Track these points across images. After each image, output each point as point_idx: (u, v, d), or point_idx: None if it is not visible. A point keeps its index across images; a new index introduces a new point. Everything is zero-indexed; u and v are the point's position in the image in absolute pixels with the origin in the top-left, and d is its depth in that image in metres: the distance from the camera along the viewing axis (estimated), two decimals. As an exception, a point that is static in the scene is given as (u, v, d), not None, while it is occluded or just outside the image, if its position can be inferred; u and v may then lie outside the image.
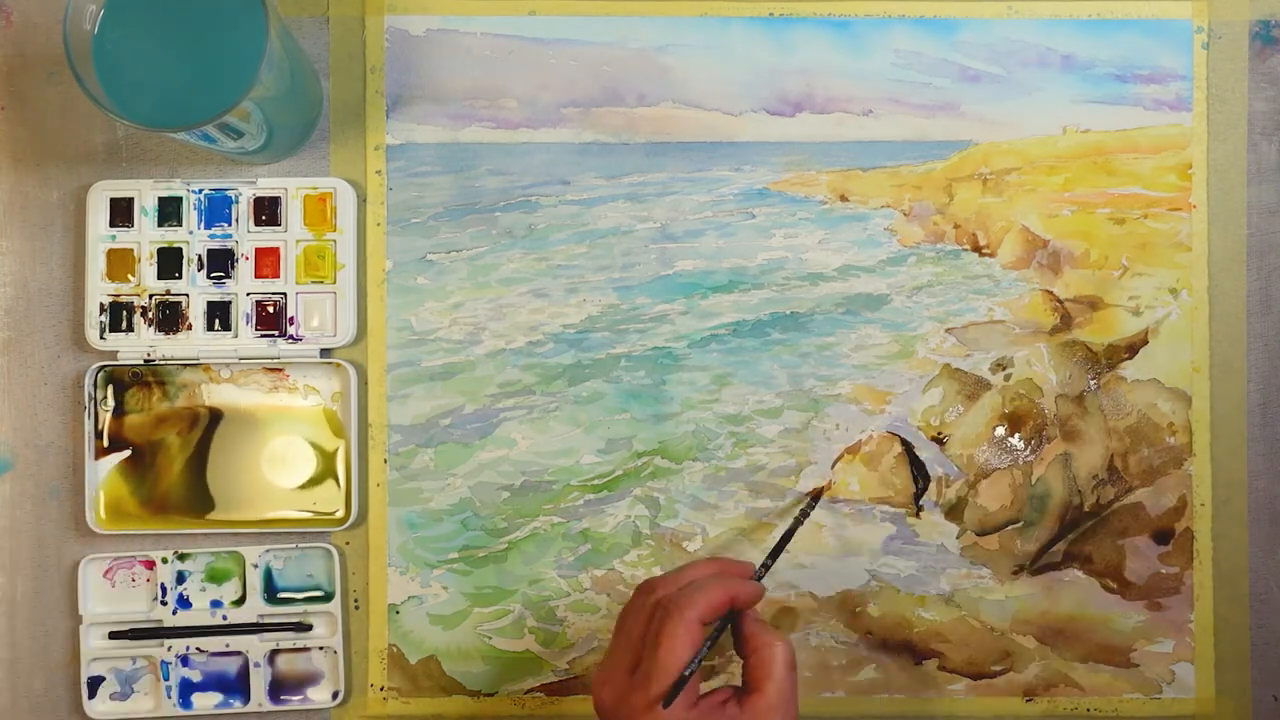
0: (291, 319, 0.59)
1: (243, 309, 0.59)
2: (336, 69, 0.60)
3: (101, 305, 0.59)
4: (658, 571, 0.60)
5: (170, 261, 0.59)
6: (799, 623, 0.60)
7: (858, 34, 0.61)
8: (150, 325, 0.59)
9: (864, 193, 0.61)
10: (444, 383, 0.60)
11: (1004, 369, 0.60)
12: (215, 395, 0.60)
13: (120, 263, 0.59)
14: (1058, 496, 0.60)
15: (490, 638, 0.60)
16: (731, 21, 0.61)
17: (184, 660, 0.59)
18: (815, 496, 0.60)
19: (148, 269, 0.59)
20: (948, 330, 0.60)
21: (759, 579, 0.53)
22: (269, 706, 0.59)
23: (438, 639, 0.60)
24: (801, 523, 0.58)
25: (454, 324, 0.60)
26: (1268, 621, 0.60)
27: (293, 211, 0.59)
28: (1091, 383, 0.60)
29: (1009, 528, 0.60)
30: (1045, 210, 0.60)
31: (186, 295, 0.59)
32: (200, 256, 0.59)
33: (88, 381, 0.59)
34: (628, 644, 0.49)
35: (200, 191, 0.59)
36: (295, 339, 0.59)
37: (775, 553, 0.55)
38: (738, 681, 0.50)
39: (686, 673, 0.47)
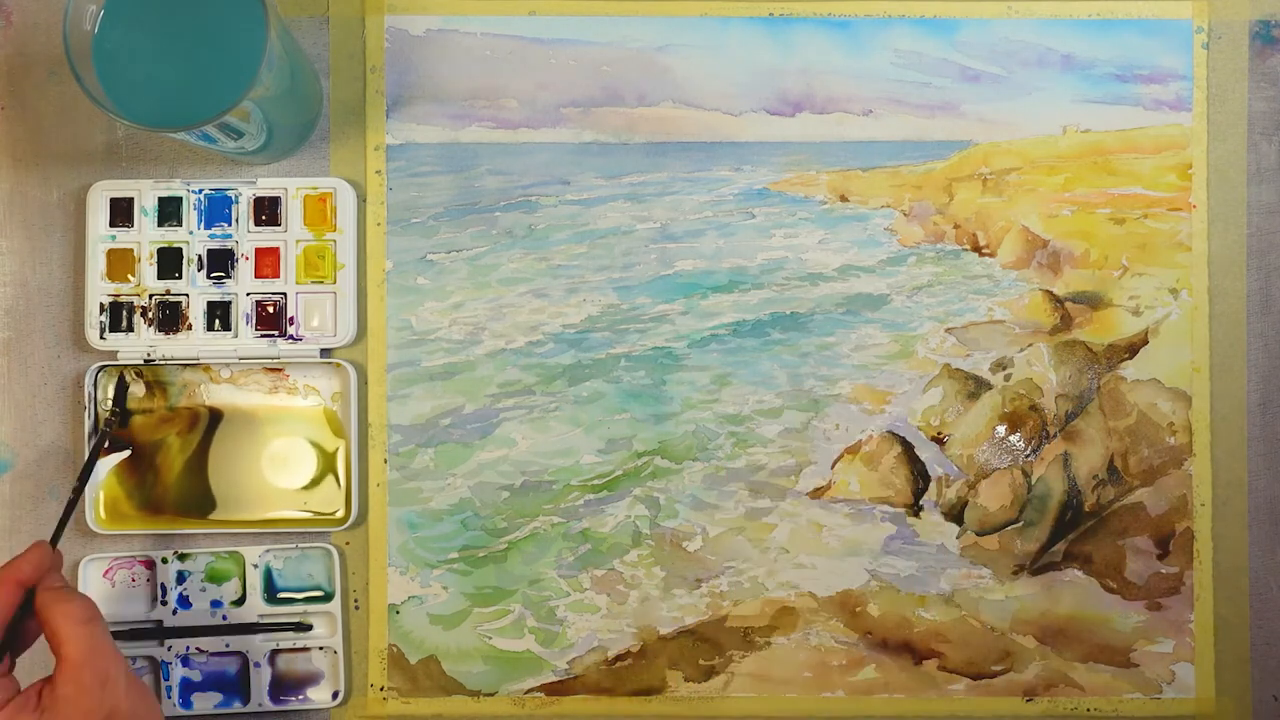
0: (291, 319, 0.59)
1: (243, 309, 0.59)
2: (336, 69, 0.60)
3: (101, 305, 0.59)
4: (659, 571, 0.60)
5: (170, 261, 0.59)
6: (799, 623, 0.60)
7: (858, 34, 0.61)
8: (150, 325, 0.59)
9: (864, 193, 0.61)
10: (444, 383, 0.60)
11: (1004, 369, 0.60)
12: (215, 395, 0.60)
13: (120, 263, 0.59)
14: (1058, 496, 0.60)
15: (490, 638, 0.60)
16: (731, 21, 0.61)
17: (184, 660, 0.59)
18: (109, 423, 0.57)
19: (148, 269, 0.59)
20: (948, 330, 0.60)
21: (56, 542, 0.51)
22: (269, 706, 0.59)
23: (438, 639, 0.60)
24: (103, 444, 0.56)
25: (454, 324, 0.60)
26: (1268, 621, 0.60)
27: (293, 211, 0.59)
28: (1091, 383, 0.60)
29: (1009, 528, 0.60)
30: (1045, 210, 0.60)
31: (186, 295, 0.59)
32: (200, 256, 0.59)
33: (88, 382, 0.59)
34: None
35: (200, 191, 0.59)
36: (295, 339, 0.59)
37: (73, 498, 0.54)
38: None
39: None
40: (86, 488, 0.58)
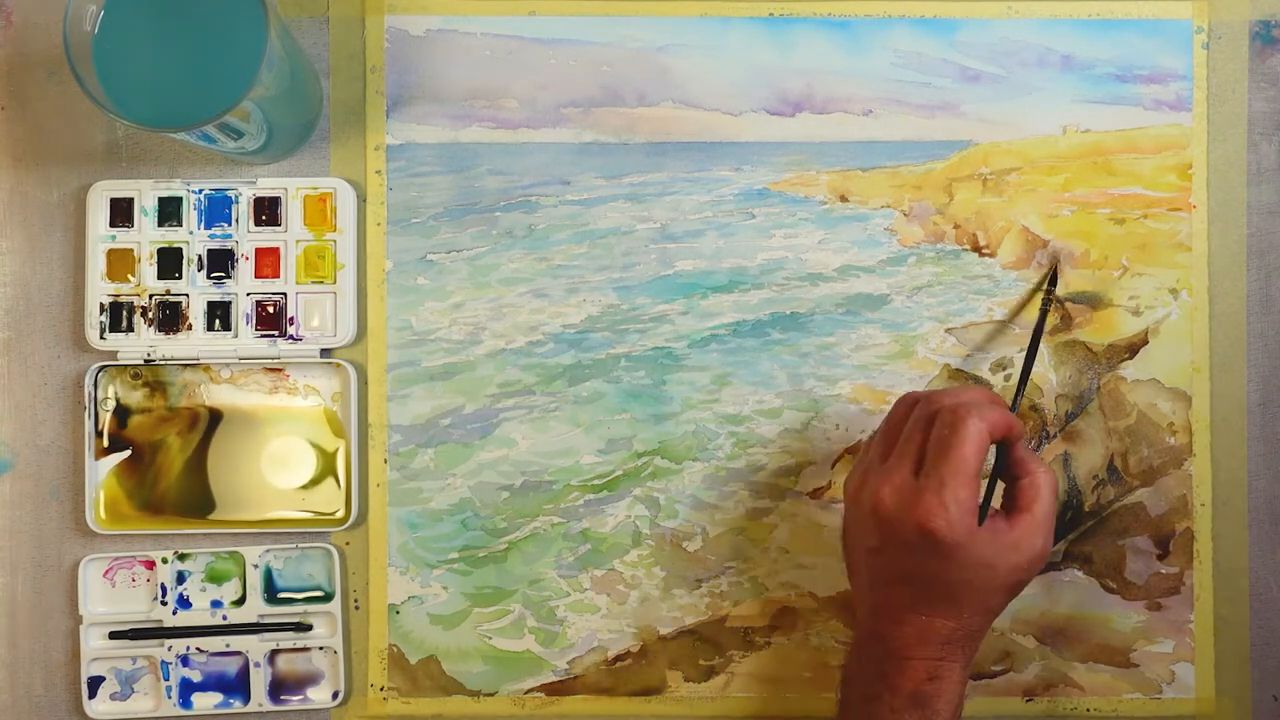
0: (291, 319, 0.59)
1: (243, 309, 0.59)
2: (336, 69, 0.60)
3: (101, 305, 0.59)
4: (659, 571, 0.60)
5: (170, 261, 0.59)
6: (799, 623, 0.60)
7: (858, 34, 0.61)
8: (150, 325, 0.59)
9: (864, 193, 0.61)
10: (444, 383, 0.60)
11: (1004, 369, 0.60)
12: (215, 395, 0.60)
13: (120, 263, 0.59)
14: (1058, 497, 0.60)
15: (490, 638, 0.60)
16: (731, 21, 0.61)
17: (184, 660, 0.59)
18: (1052, 278, 0.59)
19: (148, 269, 0.59)
20: (948, 330, 0.60)
21: (1014, 407, 0.55)
22: (269, 706, 0.59)
23: (438, 639, 0.60)
24: (1046, 316, 0.58)
25: (454, 324, 0.60)
26: (1268, 621, 0.60)
27: (293, 211, 0.59)
28: (1091, 383, 0.60)
29: (1009, 528, 0.60)
30: (1045, 210, 0.60)
31: (186, 295, 0.59)
32: (200, 256, 0.59)
33: (88, 381, 0.59)
34: (909, 448, 0.50)
35: (200, 191, 0.59)
36: (295, 339, 0.59)
37: (1025, 373, 0.56)
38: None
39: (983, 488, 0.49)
40: (87, 487, 0.59)
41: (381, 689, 0.60)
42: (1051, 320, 0.60)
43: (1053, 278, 0.59)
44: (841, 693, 0.53)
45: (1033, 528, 0.49)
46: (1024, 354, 0.57)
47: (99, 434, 0.59)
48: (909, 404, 0.52)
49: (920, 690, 0.49)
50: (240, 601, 0.59)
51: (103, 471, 0.59)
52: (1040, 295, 0.59)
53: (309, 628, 0.59)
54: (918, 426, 0.50)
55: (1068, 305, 0.60)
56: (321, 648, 0.59)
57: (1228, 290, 0.60)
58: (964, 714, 0.59)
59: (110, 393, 0.59)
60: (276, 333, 0.59)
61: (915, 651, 0.49)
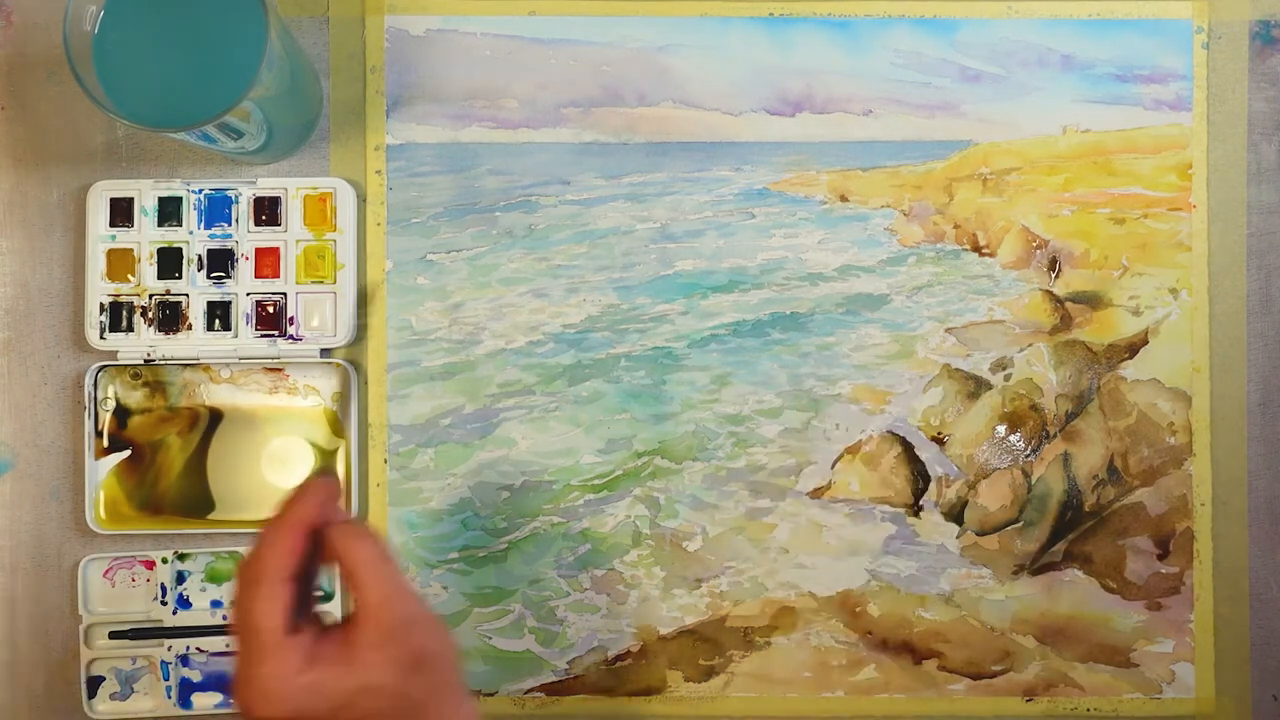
0: (291, 319, 0.59)
1: (243, 309, 0.59)
2: (336, 69, 0.60)
3: (101, 305, 0.59)
4: (659, 571, 0.60)
5: (170, 261, 0.59)
6: (799, 622, 0.60)
7: (858, 34, 0.61)
8: (150, 325, 0.59)
9: (864, 193, 0.61)
10: (444, 383, 0.60)
11: (1004, 369, 0.60)
12: (215, 395, 0.60)
13: (120, 263, 0.59)
14: (1058, 496, 0.60)
15: (490, 638, 0.60)
16: (731, 21, 0.61)
17: (184, 660, 0.59)
18: None
19: (148, 269, 0.59)
20: (948, 330, 0.60)
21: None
22: (269, 706, 0.59)
23: (438, 639, 0.60)
24: None
25: (454, 324, 0.60)
26: (1268, 621, 0.60)
27: (293, 211, 0.59)
28: (1091, 383, 0.60)
29: (1009, 528, 0.60)
30: (1045, 210, 0.60)
31: (186, 295, 0.59)
32: (200, 256, 0.59)
33: (88, 381, 0.59)
34: (235, 643, 0.43)
35: (200, 191, 0.59)
36: (295, 339, 0.59)
37: None
38: None
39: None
40: (87, 487, 0.58)
41: (381, 689, 0.60)
42: (1052, 320, 0.60)
43: None
44: None
45: (373, 614, 0.43)
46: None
47: (99, 434, 0.59)
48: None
49: None
50: (240, 601, 0.59)
51: (103, 471, 0.59)
52: None
53: (309, 628, 0.59)
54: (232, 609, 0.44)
55: (1068, 305, 0.60)
56: (321, 648, 0.59)
57: (1228, 290, 0.60)
58: (964, 714, 0.60)
59: (110, 393, 0.59)
60: (276, 333, 0.59)
61: None
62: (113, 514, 0.59)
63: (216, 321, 0.59)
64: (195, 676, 0.59)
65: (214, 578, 0.59)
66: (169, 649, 0.59)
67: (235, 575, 0.46)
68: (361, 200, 0.60)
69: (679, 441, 0.60)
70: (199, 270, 0.59)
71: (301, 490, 0.45)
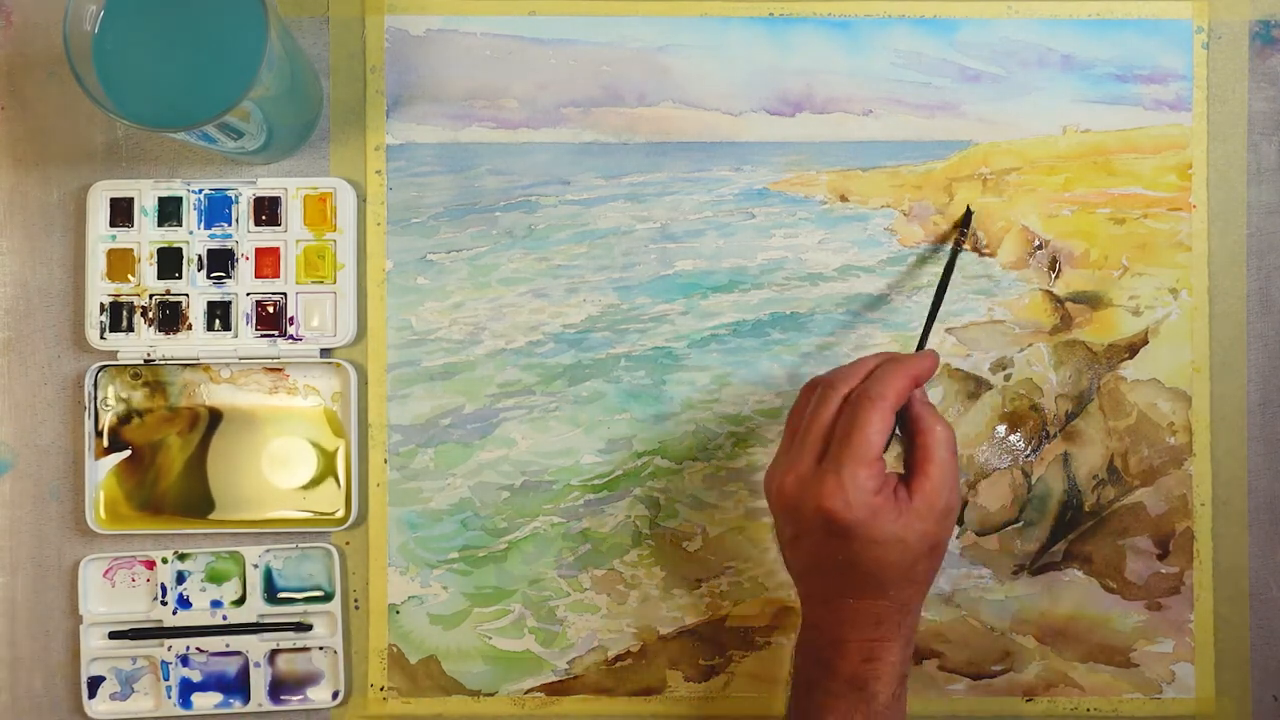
0: (291, 319, 0.59)
1: (243, 309, 0.59)
2: (336, 69, 0.60)
3: (101, 305, 0.59)
4: (659, 571, 0.60)
5: (170, 261, 0.59)
6: (799, 622, 0.60)
7: (858, 34, 0.61)
8: (150, 325, 0.59)
9: (864, 193, 0.61)
10: (444, 383, 0.60)
11: (1004, 369, 0.60)
12: (215, 395, 0.60)
13: (120, 263, 0.59)
14: (1058, 496, 0.60)
15: (490, 638, 0.60)
16: (731, 21, 0.61)
17: (184, 660, 0.59)
18: (965, 222, 0.59)
19: (148, 269, 0.59)
20: (948, 330, 0.60)
21: (919, 347, 0.55)
22: (269, 706, 0.59)
23: (438, 639, 0.60)
24: (956, 257, 0.58)
25: (454, 324, 0.60)
26: (1268, 621, 0.60)
27: (293, 211, 0.59)
28: (1091, 383, 0.60)
29: (1009, 528, 0.60)
30: (1045, 210, 0.60)
31: (186, 295, 0.59)
32: (200, 256, 0.59)
33: (88, 381, 0.59)
34: (814, 436, 0.50)
35: (200, 191, 0.59)
36: (295, 339, 0.59)
37: (934, 309, 0.56)
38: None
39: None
40: (87, 487, 0.59)
41: (381, 689, 0.60)
42: (1052, 320, 0.60)
43: (966, 219, 0.59)
44: (790, 685, 0.53)
45: (931, 489, 0.49)
46: (934, 294, 0.57)
47: (99, 434, 0.59)
48: (809, 390, 0.52)
49: (857, 673, 0.49)
50: (240, 601, 0.59)
51: (103, 471, 0.59)
52: (954, 236, 0.59)
53: (309, 628, 0.59)
54: (815, 413, 0.50)
55: (1068, 305, 0.60)
56: (321, 648, 0.59)
57: (1228, 290, 0.60)
58: (964, 714, 0.60)
59: (110, 393, 0.59)
60: (276, 333, 0.59)
61: (848, 634, 0.50)
62: (113, 514, 0.59)
63: (216, 321, 0.59)
64: (195, 676, 0.59)
65: (214, 578, 0.60)
66: (169, 649, 0.59)
67: (828, 386, 0.51)
68: (361, 200, 0.60)
69: (679, 441, 0.60)
70: (199, 270, 0.59)
71: (925, 356, 0.52)
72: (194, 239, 0.59)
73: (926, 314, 0.56)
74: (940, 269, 0.58)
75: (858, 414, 0.49)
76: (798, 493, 0.49)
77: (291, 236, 0.59)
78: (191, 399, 0.60)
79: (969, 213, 0.59)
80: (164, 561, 0.59)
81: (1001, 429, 0.60)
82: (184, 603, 0.59)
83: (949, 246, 0.59)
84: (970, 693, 0.60)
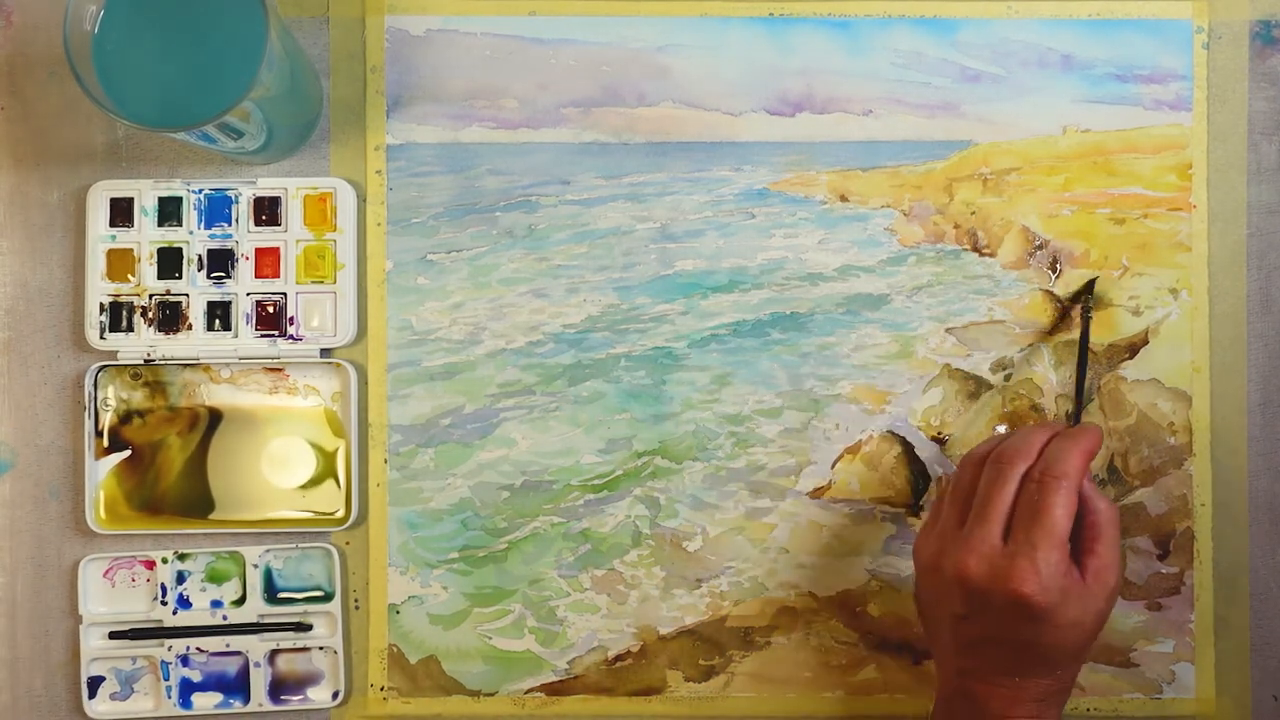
0: (291, 319, 0.59)
1: (243, 309, 0.59)
2: (336, 69, 0.60)
3: (101, 305, 0.59)
4: (659, 571, 0.60)
5: (170, 261, 0.59)
6: (799, 623, 0.60)
7: (858, 34, 0.61)
8: (150, 325, 0.59)
9: (864, 193, 0.61)
10: (444, 383, 0.60)
11: (1004, 369, 0.60)
12: (215, 395, 0.60)
13: (120, 263, 0.59)
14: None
15: (490, 638, 0.60)
16: (731, 21, 0.61)
17: (184, 660, 0.59)
18: (1089, 289, 0.59)
19: (148, 269, 0.59)
20: (948, 330, 0.60)
21: (1076, 421, 0.56)
22: (269, 706, 0.59)
23: (438, 639, 0.60)
24: (1089, 325, 0.59)
25: (454, 324, 0.60)
26: (1268, 621, 0.60)
27: (293, 211, 0.59)
28: (1091, 383, 0.60)
29: (1009, 528, 0.60)
30: (1045, 210, 0.60)
31: (186, 295, 0.59)
32: (200, 256, 0.59)
33: (88, 381, 0.59)
34: (995, 515, 0.50)
35: (200, 191, 0.59)
36: (295, 339, 0.59)
37: (1079, 384, 0.57)
38: None
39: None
40: (87, 487, 0.59)
41: (381, 689, 0.60)
42: (1052, 320, 0.60)
43: (1089, 287, 0.59)
44: None
45: (1103, 568, 0.50)
46: (1076, 368, 0.58)
47: (99, 434, 0.59)
48: (976, 464, 0.52)
49: None
50: (240, 601, 0.59)
51: (103, 471, 0.59)
52: (1079, 309, 0.59)
53: (309, 628, 0.59)
54: (994, 491, 0.50)
55: (1068, 305, 0.60)
56: (321, 648, 0.59)
57: (1228, 290, 0.60)
58: (964, 714, 0.59)
59: (110, 393, 0.59)
60: (276, 333, 0.59)
61: (1011, 711, 0.50)
62: (112, 514, 0.59)
63: (216, 321, 0.59)
64: (195, 676, 0.59)
65: (214, 578, 0.60)
66: (169, 649, 0.59)
67: (999, 461, 0.51)
68: (361, 200, 0.60)
69: (679, 441, 0.60)
70: (199, 270, 0.59)
71: (1093, 430, 0.53)
72: (194, 239, 0.59)
73: (1074, 388, 0.58)
74: (1074, 336, 0.59)
75: (1045, 494, 0.49)
76: (985, 574, 0.49)
77: (291, 236, 0.59)
78: (191, 399, 0.60)
79: (1091, 282, 0.59)
80: (164, 561, 0.59)
81: (1002, 429, 0.60)
82: (184, 603, 0.59)
83: (1075, 316, 0.59)
84: (970, 693, 0.60)
